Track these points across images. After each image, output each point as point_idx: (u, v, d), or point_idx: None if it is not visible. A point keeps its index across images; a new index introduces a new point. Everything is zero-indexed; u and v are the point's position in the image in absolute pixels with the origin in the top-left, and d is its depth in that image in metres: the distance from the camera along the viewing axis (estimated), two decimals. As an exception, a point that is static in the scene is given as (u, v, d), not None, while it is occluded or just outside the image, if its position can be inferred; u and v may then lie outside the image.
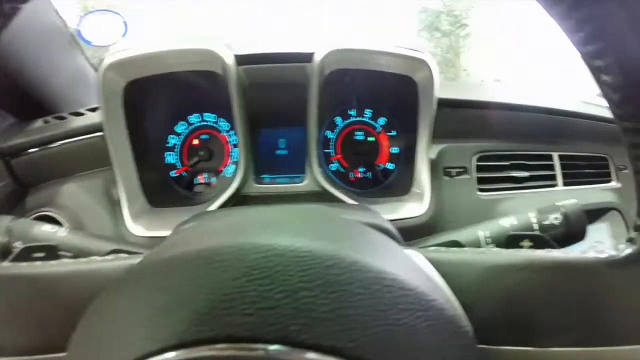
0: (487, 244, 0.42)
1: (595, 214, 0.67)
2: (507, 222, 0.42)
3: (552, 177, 0.65)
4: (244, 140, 0.53)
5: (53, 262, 0.31)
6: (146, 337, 0.19)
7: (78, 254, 0.42)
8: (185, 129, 0.61)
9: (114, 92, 0.53)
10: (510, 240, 0.40)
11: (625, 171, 0.73)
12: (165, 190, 0.60)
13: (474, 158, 0.60)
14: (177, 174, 0.61)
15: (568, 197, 0.43)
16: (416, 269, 0.26)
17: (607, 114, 0.67)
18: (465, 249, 0.32)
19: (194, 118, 0.61)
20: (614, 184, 0.71)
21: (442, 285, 0.28)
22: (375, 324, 0.20)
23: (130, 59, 0.51)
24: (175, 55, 0.52)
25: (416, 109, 0.56)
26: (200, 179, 0.61)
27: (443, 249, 0.33)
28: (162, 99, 0.60)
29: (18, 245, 0.42)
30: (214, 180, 0.61)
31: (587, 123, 0.69)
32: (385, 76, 0.56)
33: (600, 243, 0.67)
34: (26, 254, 0.39)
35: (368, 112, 0.61)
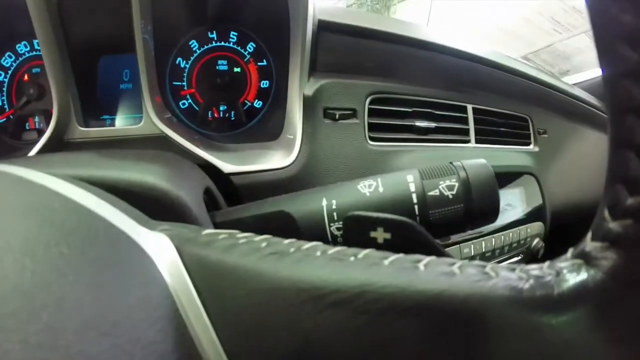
0: (331, 221, 0.27)
1: (507, 178, 0.57)
2: (367, 186, 0.28)
3: (464, 132, 0.54)
4: (55, 70, 0.42)
5: None
6: None
7: None
8: (12, 62, 0.50)
9: None
10: (353, 227, 0.23)
11: (545, 135, 0.65)
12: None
13: (367, 100, 0.47)
14: (3, 119, 0.50)
15: (478, 156, 0.30)
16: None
17: (532, 71, 0.55)
18: (259, 238, 0.18)
19: (22, 47, 0.49)
20: (531, 147, 0.63)
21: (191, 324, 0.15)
22: None
23: None
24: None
25: (287, 28, 0.44)
26: (31, 123, 0.50)
27: (231, 237, 0.18)
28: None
29: None
30: (43, 125, 0.50)
31: (509, 77, 0.58)
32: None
33: (511, 207, 0.56)
34: None
35: (233, 36, 0.49)
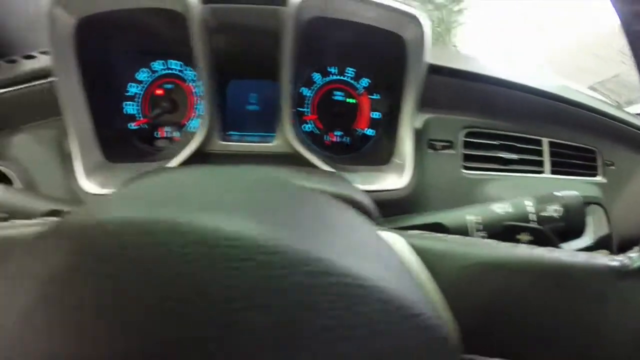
0: (477, 231, 0.37)
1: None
2: (501, 209, 0.37)
3: (539, 163, 0.60)
4: (209, 91, 0.47)
5: None
6: None
7: (13, 214, 0.37)
8: (148, 77, 0.55)
9: (63, 32, 0.47)
10: (506, 231, 0.35)
11: (612, 167, 0.69)
12: (123, 143, 0.54)
13: (462, 133, 0.55)
14: (136, 127, 0.55)
15: (554, 186, 0.39)
16: (393, 263, 0.22)
17: (600, 105, 0.63)
18: (454, 236, 0.27)
19: (157, 65, 0.55)
20: (599, 178, 0.67)
21: (424, 282, 0.24)
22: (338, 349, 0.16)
23: None
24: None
25: (403, 71, 0.50)
26: (162, 132, 0.55)
27: (427, 234, 0.28)
28: (121, 42, 0.53)
29: None
30: (177, 134, 0.55)
31: (579, 112, 0.64)
32: (371, 31, 0.50)
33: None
34: None
35: (350, 71, 0.55)
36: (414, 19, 0.47)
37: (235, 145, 0.50)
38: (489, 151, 0.56)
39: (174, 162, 0.48)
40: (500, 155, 0.57)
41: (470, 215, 0.37)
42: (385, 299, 0.17)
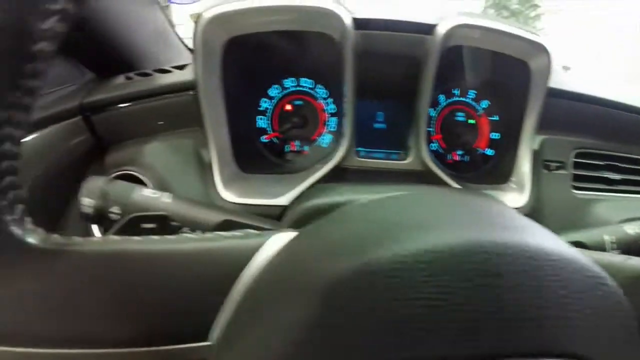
0: (612, 249, 0.40)
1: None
2: (632, 229, 0.41)
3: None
4: (352, 110, 0.50)
5: (172, 236, 0.26)
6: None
7: (184, 224, 0.38)
8: (278, 93, 0.58)
9: (214, 48, 0.50)
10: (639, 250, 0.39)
11: None
12: (255, 155, 0.57)
13: (572, 154, 0.58)
14: (267, 140, 0.58)
15: None
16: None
17: None
18: (608, 253, 0.31)
19: (289, 82, 0.57)
20: None
21: None
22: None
23: (237, 12, 0.47)
24: (289, 12, 0.48)
25: (525, 96, 0.53)
26: (293, 146, 0.58)
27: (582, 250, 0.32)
28: (260, 60, 0.56)
29: (115, 212, 0.38)
30: (306, 148, 0.58)
31: None
32: (498, 58, 0.53)
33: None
34: (134, 225, 0.35)
35: (471, 93, 0.58)
36: (543, 49, 0.50)
37: (371, 162, 0.53)
38: (595, 171, 0.59)
39: (315, 177, 0.50)
40: (606, 175, 0.60)
41: (607, 235, 0.41)
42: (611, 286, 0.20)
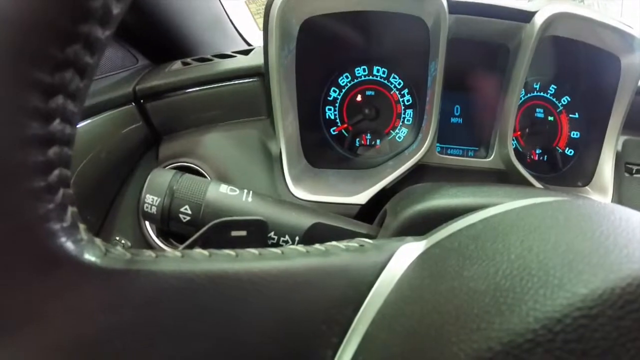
0: None
1: None
2: None
3: None
4: (438, 103, 0.45)
5: (275, 250, 0.20)
6: None
7: (271, 227, 0.33)
8: (348, 82, 0.53)
9: (290, 30, 0.45)
10: None
11: None
12: (324, 149, 0.52)
13: None
14: (336, 132, 0.53)
15: None
16: None
17: None
18: None
19: (360, 71, 0.53)
20: None
21: None
22: None
23: None
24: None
25: (612, 93, 0.50)
26: (364, 140, 0.53)
27: None
28: (332, 44, 0.51)
29: (185, 212, 0.33)
30: (378, 142, 0.53)
31: None
32: (588, 50, 0.49)
33: None
34: (221, 233, 0.29)
35: (552, 89, 0.54)
36: (638, 43, 0.46)
37: (451, 159, 0.49)
38: None
39: (394, 174, 0.46)
40: None
41: None
42: None
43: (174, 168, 0.48)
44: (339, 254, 0.22)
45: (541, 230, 0.19)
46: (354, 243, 0.23)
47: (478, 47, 0.47)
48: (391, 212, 0.35)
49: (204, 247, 0.23)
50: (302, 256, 0.21)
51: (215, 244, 0.29)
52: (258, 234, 0.31)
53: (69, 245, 0.15)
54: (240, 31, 0.68)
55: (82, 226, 0.16)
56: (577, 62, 0.51)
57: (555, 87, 0.54)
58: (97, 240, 0.16)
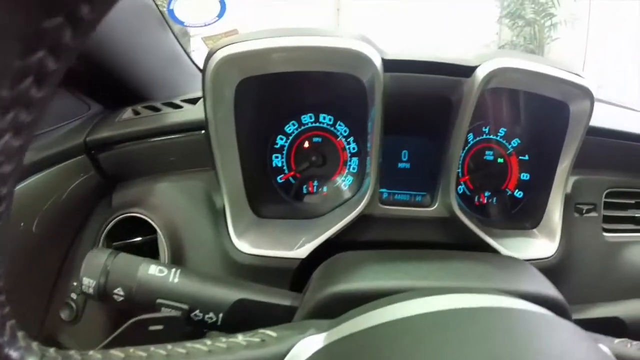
0: None
1: None
2: None
3: None
4: (377, 154, 0.45)
5: (180, 349, 0.23)
6: None
7: (196, 306, 0.34)
8: (295, 129, 0.52)
9: (226, 90, 0.44)
10: None
11: None
12: (270, 198, 0.52)
13: (604, 194, 0.53)
14: (283, 180, 0.53)
15: None
16: None
17: None
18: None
19: (307, 118, 0.52)
20: None
21: None
22: None
23: (253, 52, 0.40)
24: (312, 52, 0.42)
25: (561, 137, 0.48)
26: (310, 187, 0.53)
27: (628, 342, 0.28)
28: (277, 96, 0.50)
29: (119, 293, 0.35)
30: (325, 189, 0.53)
31: None
32: (536, 97, 0.47)
33: None
34: (139, 328, 0.31)
35: (501, 131, 0.53)
36: (585, 91, 0.44)
37: (395, 210, 0.48)
38: (624, 211, 0.55)
39: (337, 227, 0.46)
40: (636, 214, 0.55)
41: None
42: None
43: (126, 219, 0.49)
44: (239, 351, 0.24)
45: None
46: (255, 338, 0.25)
47: (420, 99, 0.46)
48: (312, 288, 0.35)
49: (124, 343, 0.25)
50: (204, 356, 0.23)
51: (134, 339, 0.31)
52: (173, 327, 0.32)
53: (12, 353, 0.17)
54: (200, 66, 0.67)
55: (20, 334, 0.18)
56: (525, 108, 0.49)
57: (504, 129, 0.52)
58: (34, 345, 0.19)
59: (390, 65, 0.42)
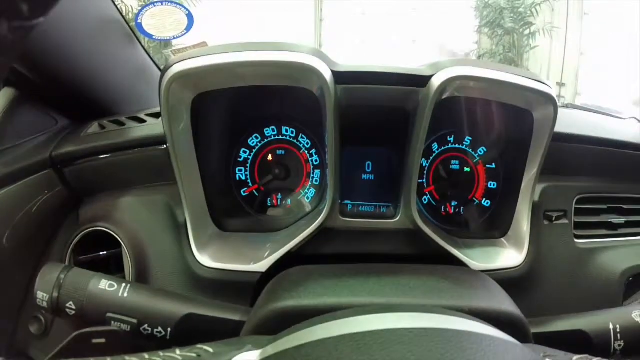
0: (617, 339, 0.35)
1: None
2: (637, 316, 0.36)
3: None
4: (336, 165, 0.43)
5: None
6: None
7: (145, 320, 0.35)
8: (258, 142, 0.51)
9: (181, 105, 0.43)
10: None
11: None
12: (234, 211, 0.51)
13: (574, 200, 0.51)
14: (247, 193, 0.52)
15: None
16: None
17: None
18: None
19: (269, 131, 0.51)
20: None
21: None
22: None
23: (204, 69, 0.40)
24: (264, 67, 0.41)
25: (527, 144, 0.47)
26: (274, 199, 0.52)
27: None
28: (236, 110, 0.49)
29: (71, 307, 0.35)
30: (289, 202, 0.52)
31: None
32: (499, 105, 0.46)
33: None
34: (82, 341, 0.30)
35: (467, 140, 0.51)
36: (549, 99, 0.43)
37: (356, 223, 0.47)
38: (597, 216, 0.53)
39: (297, 240, 0.45)
40: (609, 220, 0.53)
41: (612, 323, 0.36)
42: None
43: (93, 233, 0.49)
44: None
45: None
46: (192, 353, 0.25)
47: (377, 110, 0.45)
48: (258, 303, 0.35)
49: (68, 357, 0.27)
50: None
51: (78, 352, 0.31)
52: (117, 341, 0.32)
53: None
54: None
55: None
56: (489, 116, 0.48)
57: (470, 138, 0.51)
58: None
59: (342, 77, 0.41)
